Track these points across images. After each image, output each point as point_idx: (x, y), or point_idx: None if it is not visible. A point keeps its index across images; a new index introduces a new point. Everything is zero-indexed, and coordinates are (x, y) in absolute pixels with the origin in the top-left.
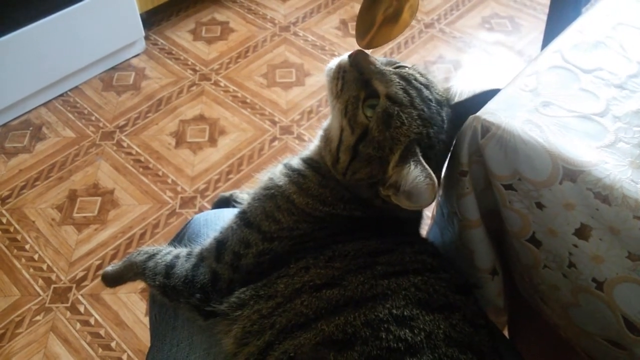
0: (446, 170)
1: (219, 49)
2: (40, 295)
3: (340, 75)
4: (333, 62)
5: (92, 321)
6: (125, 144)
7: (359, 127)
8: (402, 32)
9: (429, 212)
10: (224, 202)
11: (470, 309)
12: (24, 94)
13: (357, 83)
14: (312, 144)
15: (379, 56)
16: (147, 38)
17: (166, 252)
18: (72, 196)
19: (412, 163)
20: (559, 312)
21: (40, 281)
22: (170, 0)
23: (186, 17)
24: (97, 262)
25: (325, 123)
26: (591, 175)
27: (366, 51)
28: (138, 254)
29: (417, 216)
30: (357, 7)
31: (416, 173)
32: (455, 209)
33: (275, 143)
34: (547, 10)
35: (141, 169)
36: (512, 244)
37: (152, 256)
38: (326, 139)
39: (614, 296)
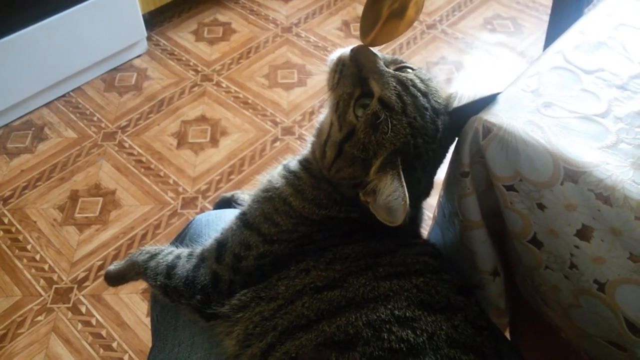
0: (447, 171)
1: (221, 50)
2: (41, 295)
3: (339, 69)
4: (335, 54)
5: (93, 322)
6: (127, 145)
7: (347, 125)
8: (407, 29)
9: (430, 213)
10: (226, 203)
11: (472, 310)
12: (26, 95)
13: (353, 79)
14: (309, 141)
15: (385, 53)
16: (149, 39)
17: (168, 252)
18: (74, 196)
19: (390, 176)
20: (560, 313)
21: (42, 281)
22: (173, 1)
23: (188, 18)
24: (99, 263)
25: (321, 116)
26: (592, 176)
27: (370, 48)
28: (140, 254)
29: (417, 217)
30: (359, 9)
31: (392, 188)
32: (457, 209)
33: (277, 144)
34: (549, 12)
35: (143, 170)
36: (514, 245)
37: (153, 256)
38: (319, 131)
39: (615, 297)
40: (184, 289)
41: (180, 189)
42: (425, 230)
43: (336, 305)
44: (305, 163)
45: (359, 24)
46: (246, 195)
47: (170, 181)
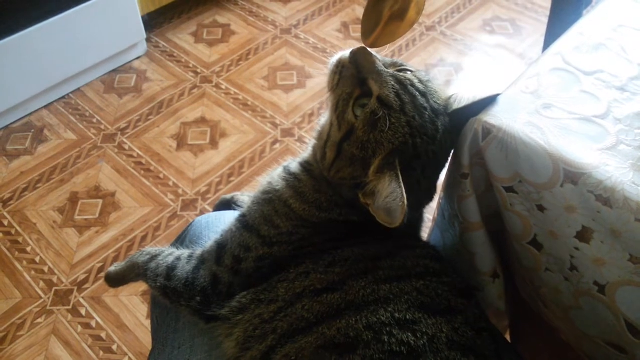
0: (447, 173)
1: (220, 52)
2: (41, 297)
3: (339, 70)
4: (336, 56)
5: (93, 324)
6: (126, 147)
7: (346, 124)
8: (408, 30)
9: (430, 215)
10: (225, 205)
11: (472, 313)
12: (26, 97)
13: (353, 80)
14: (310, 144)
15: (384, 56)
16: (148, 40)
17: (168, 253)
18: (74, 198)
19: (388, 177)
20: (560, 315)
21: (42, 283)
22: (172, 3)
23: (188, 19)
24: (99, 265)
25: (322, 119)
26: (592, 177)
27: (370, 50)
28: (140, 255)
29: (418, 220)
30: (358, 10)
31: (390, 189)
32: (457, 211)
33: (277, 146)
34: (548, 13)
35: (142, 172)
36: (514, 247)
37: (154, 257)
38: (320, 133)
39: (615, 299)
40: (183, 290)
41: (180, 191)
42: (425, 232)
43: (336, 308)
44: (306, 165)
45: (358, 26)
46: (246, 197)
47: (170, 183)
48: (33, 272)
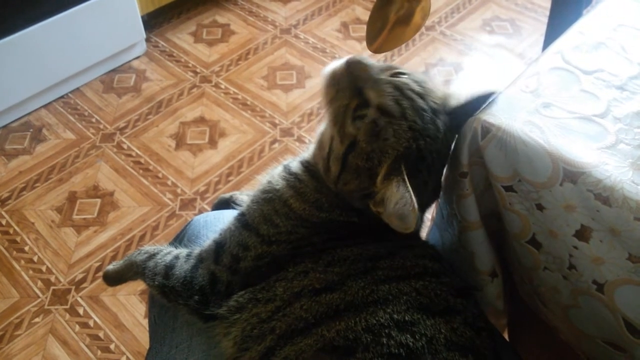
0: (446, 172)
1: (219, 51)
2: (39, 297)
3: (334, 82)
4: (329, 67)
5: (91, 323)
6: (125, 146)
7: (348, 137)
8: (413, 35)
9: (429, 215)
10: (224, 204)
11: (471, 312)
12: (25, 96)
13: (349, 91)
14: (311, 145)
15: (378, 62)
16: (148, 40)
17: (166, 252)
18: (72, 198)
19: (395, 183)
20: (559, 314)
21: (40, 283)
22: (172, 3)
23: (187, 19)
24: (97, 264)
25: (321, 125)
26: (592, 176)
27: (367, 56)
28: (139, 254)
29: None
30: (358, 10)
31: (399, 195)
32: (455, 210)
33: (276, 145)
34: (547, 13)
35: (141, 171)
36: (512, 246)
37: (152, 256)
38: (320, 144)
39: (614, 298)
40: (181, 289)
41: (179, 191)
42: (424, 231)
43: (335, 308)
44: (308, 165)
45: (358, 26)
46: (245, 196)
47: (169, 182)
48: (31, 272)
